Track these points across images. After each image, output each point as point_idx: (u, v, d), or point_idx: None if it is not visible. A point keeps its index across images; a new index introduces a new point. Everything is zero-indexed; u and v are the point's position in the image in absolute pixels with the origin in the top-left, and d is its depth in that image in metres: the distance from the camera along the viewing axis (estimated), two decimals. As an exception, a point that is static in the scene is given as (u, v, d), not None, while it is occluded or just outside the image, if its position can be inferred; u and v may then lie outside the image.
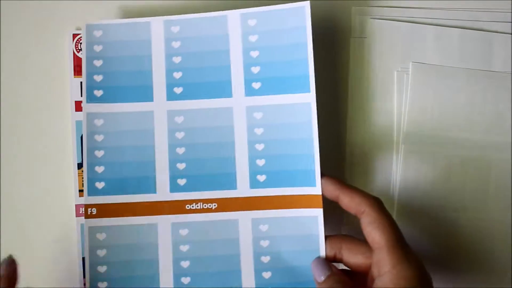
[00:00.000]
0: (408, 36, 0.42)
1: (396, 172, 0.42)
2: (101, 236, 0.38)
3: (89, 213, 0.38)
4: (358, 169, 0.42)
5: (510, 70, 0.42)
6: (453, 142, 0.42)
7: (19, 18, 0.43)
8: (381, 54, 0.42)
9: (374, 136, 0.42)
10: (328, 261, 0.37)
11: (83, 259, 0.39)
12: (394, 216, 0.41)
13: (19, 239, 0.43)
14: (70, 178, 0.42)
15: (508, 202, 0.41)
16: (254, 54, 0.39)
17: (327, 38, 0.43)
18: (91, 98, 0.39)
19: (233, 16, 0.39)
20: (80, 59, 0.42)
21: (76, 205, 0.42)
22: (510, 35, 0.42)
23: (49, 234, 0.42)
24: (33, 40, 0.43)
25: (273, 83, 0.39)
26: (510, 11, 0.42)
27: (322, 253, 0.37)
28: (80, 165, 0.42)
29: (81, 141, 0.41)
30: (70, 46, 0.42)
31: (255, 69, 0.39)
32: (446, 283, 0.42)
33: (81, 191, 0.41)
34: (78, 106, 0.42)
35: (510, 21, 0.42)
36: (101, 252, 0.38)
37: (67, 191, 0.42)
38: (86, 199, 0.38)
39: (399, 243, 0.34)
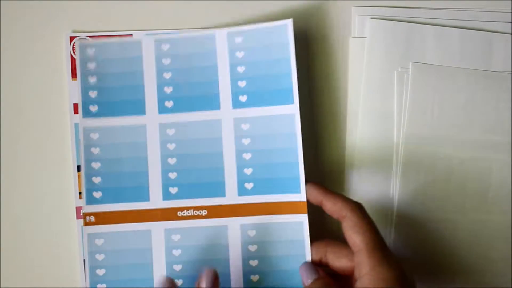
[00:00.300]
0: (408, 36, 0.42)
1: (396, 172, 0.42)
2: (99, 242, 0.40)
3: (87, 221, 0.40)
4: (358, 169, 0.42)
5: (510, 70, 0.42)
6: (453, 142, 0.42)
7: (16, 21, 0.43)
8: (381, 54, 0.42)
9: (374, 136, 0.42)
10: (316, 265, 0.38)
11: (85, 261, 0.40)
12: (394, 216, 0.42)
13: (20, 241, 0.43)
14: (70, 180, 0.42)
15: (508, 202, 0.42)
16: (241, 69, 0.41)
17: (327, 38, 0.43)
18: (87, 113, 0.41)
19: (221, 35, 0.41)
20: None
21: (76, 207, 0.42)
22: (510, 35, 0.42)
23: (50, 236, 0.43)
24: (31, 43, 0.43)
25: (259, 96, 0.41)
26: (510, 11, 0.42)
27: (308, 257, 0.39)
28: (79, 168, 0.42)
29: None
30: (67, 48, 0.42)
31: (242, 83, 0.41)
32: (445, 284, 0.42)
33: (81, 193, 0.42)
34: (76, 109, 0.42)
35: (510, 21, 0.42)
36: (100, 256, 0.40)
37: (67, 193, 0.43)
38: (85, 208, 0.40)
39: (378, 246, 0.35)
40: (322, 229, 0.42)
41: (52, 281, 0.43)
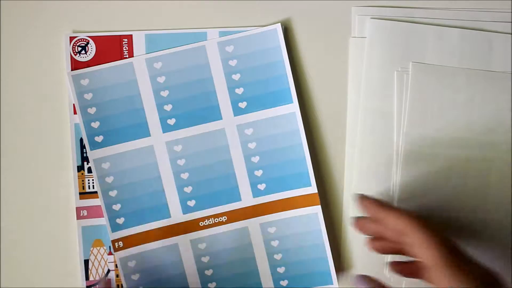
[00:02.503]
0: (408, 36, 0.42)
1: (396, 172, 0.42)
2: (132, 264, 0.42)
3: (117, 247, 0.42)
4: (358, 169, 0.42)
5: (510, 70, 0.42)
6: (453, 142, 0.42)
7: (16, 21, 0.43)
8: (381, 54, 0.42)
9: (374, 136, 0.42)
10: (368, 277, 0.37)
11: (85, 261, 0.42)
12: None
13: (20, 241, 0.43)
14: (71, 181, 0.42)
15: (508, 202, 0.42)
16: (236, 77, 0.42)
17: (327, 38, 0.43)
18: (94, 145, 0.42)
19: (211, 45, 0.42)
20: (77, 62, 0.42)
21: (76, 207, 0.42)
22: (510, 35, 0.42)
23: (50, 236, 0.43)
24: (30, 43, 0.43)
25: (258, 100, 0.42)
26: (510, 11, 0.42)
27: (327, 246, 0.42)
28: (79, 168, 0.42)
29: (80, 144, 0.42)
30: (67, 48, 0.42)
31: (239, 90, 0.42)
32: (446, 282, 0.42)
33: (81, 193, 0.42)
34: (76, 109, 0.42)
35: (510, 21, 0.42)
36: (135, 276, 0.42)
37: (67, 193, 0.43)
38: (112, 236, 0.42)
39: (451, 260, 0.34)
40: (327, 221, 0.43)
41: (52, 281, 0.43)
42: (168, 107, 0.42)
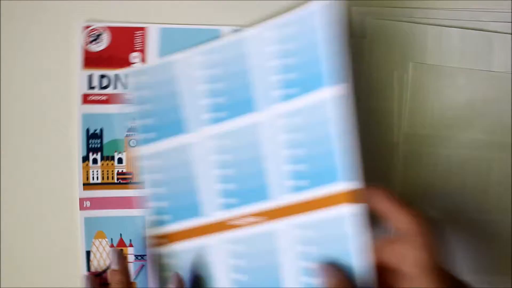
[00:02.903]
0: (408, 36, 0.42)
1: (396, 172, 0.42)
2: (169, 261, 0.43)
3: (160, 243, 0.43)
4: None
5: (510, 70, 0.41)
6: (453, 142, 0.41)
7: (29, 10, 0.43)
8: (381, 54, 0.42)
9: (374, 136, 0.42)
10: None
11: (87, 252, 0.42)
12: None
13: (22, 232, 0.43)
14: (75, 172, 0.43)
15: (508, 202, 0.41)
16: (275, 64, 0.40)
17: (327, 38, 0.43)
18: (142, 142, 0.43)
19: (251, 35, 0.41)
20: (89, 52, 0.43)
21: (80, 198, 0.42)
22: (510, 35, 0.42)
23: (52, 227, 0.43)
24: (43, 33, 0.43)
25: (297, 88, 0.39)
26: (510, 11, 0.42)
27: (360, 250, 0.37)
28: (84, 159, 0.43)
29: (87, 135, 0.43)
30: (79, 38, 0.42)
31: (278, 80, 0.40)
32: (445, 285, 0.41)
33: (85, 184, 0.43)
34: (85, 99, 0.42)
35: (510, 21, 0.42)
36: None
37: (71, 184, 0.43)
38: (147, 233, 0.42)
39: (430, 266, 0.34)
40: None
41: (53, 270, 0.43)
42: (206, 101, 0.42)
